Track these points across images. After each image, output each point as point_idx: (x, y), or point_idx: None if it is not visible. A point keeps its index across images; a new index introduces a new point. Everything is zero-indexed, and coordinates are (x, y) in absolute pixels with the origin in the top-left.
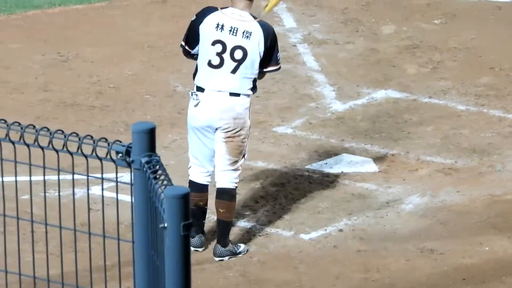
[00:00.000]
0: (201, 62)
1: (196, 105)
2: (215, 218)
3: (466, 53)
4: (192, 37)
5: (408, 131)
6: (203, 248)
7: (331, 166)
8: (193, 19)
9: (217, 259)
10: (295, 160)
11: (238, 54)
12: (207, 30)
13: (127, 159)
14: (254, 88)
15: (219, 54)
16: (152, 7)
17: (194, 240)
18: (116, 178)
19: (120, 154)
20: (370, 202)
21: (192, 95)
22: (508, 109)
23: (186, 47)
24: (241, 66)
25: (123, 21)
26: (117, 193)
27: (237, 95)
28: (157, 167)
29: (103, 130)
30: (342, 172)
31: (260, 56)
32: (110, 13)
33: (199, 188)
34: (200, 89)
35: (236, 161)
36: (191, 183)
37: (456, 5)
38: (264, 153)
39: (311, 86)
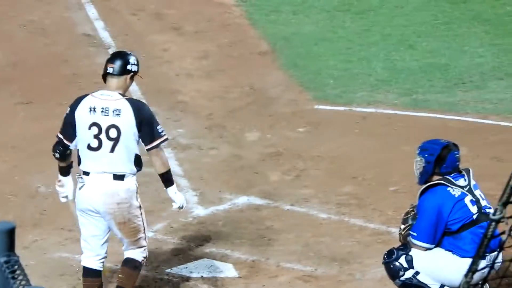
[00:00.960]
0: (81, 147)
1: (80, 188)
2: None
3: (329, 162)
4: (68, 127)
5: (269, 237)
6: None
7: (191, 271)
8: (67, 111)
9: None
10: (155, 264)
11: (113, 133)
12: (81, 115)
13: None
14: (138, 165)
15: (96, 136)
16: (17, 108)
17: None
18: None
19: None
20: None
21: (78, 178)
22: (369, 218)
23: (65, 141)
24: (118, 144)
25: None
26: None
27: (121, 177)
28: (16, 267)
29: None
30: (202, 276)
31: (136, 132)
32: None
33: (92, 274)
34: (85, 173)
35: (136, 240)
36: (84, 269)
37: (320, 113)
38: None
39: None
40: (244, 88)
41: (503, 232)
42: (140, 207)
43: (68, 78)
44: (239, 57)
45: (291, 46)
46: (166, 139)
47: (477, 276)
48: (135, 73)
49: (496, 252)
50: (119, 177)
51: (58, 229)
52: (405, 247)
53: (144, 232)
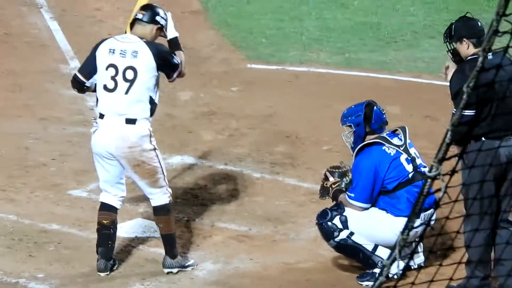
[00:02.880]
0: (99, 88)
1: (94, 132)
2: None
3: (262, 121)
4: (88, 65)
5: (203, 197)
6: (107, 272)
7: (125, 230)
8: (90, 51)
9: (166, 270)
10: (90, 224)
11: (130, 74)
12: (101, 55)
13: None
14: (152, 110)
15: (113, 78)
16: None
17: (98, 263)
18: None
19: None
20: None
21: (93, 122)
22: (303, 178)
23: (81, 77)
24: (133, 86)
25: None
26: None
27: (133, 122)
28: None
29: None
30: (136, 236)
31: (155, 71)
32: None
33: (105, 207)
34: (101, 116)
35: (155, 181)
36: (102, 204)
37: (253, 73)
38: (59, 216)
39: None
40: None
41: (438, 190)
42: (154, 149)
43: None
44: None
45: (222, 5)
46: (181, 70)
47: (411, 234)
48: (162, 27)
49: (431, 210)
50: (131, 121)
51: None
52: (339, 207)
53: (163, 172)
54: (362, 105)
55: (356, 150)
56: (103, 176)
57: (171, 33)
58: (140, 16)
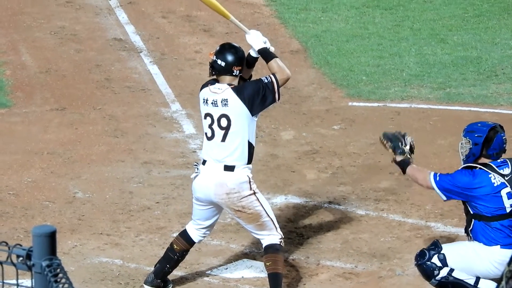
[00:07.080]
0: (204, 134)
1: (195, 177)
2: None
3: (365, 158)
4: None
5: (308, 236)
6: (151, 287)
7: (232, 271)
8: None
9: None
10: (195, 265)
11: (224, 122)
12: (200, 104)
13: (28, 263)
14: (250, 155)
15: (210, 126)
16: (51, 114)
17: (147, 275)
18: (17, 282)
19: (21, 258)
20: None
21: (194, 167)
22: (407, 214)
23: None
24: (229, 133)
25: (22, 128)
26: None
27: (231, 169)
28: (58, 270)
29: (2, 237)
30: (242, 277)
31: (248, 114)
32: (9, 120)
33: (184, 235)
34: (203, 161)
35: (260, 224)
36: (184, 230)
37: (355, 110)
38: None
39: None
40: None
41: None
42: (254, 193)
43: (100, 83)
44: None
45: (322, 44)
46: (276, 82)
47: None
48: (241, 66)
49: None
50: (229, 168)
51: (97, 234)
52: (436, 246)
53: (268, 216)
54: (487, 127)
55: (463, 166)
56: (197, 215)
57: (256, 47)
58: (223, 64)
